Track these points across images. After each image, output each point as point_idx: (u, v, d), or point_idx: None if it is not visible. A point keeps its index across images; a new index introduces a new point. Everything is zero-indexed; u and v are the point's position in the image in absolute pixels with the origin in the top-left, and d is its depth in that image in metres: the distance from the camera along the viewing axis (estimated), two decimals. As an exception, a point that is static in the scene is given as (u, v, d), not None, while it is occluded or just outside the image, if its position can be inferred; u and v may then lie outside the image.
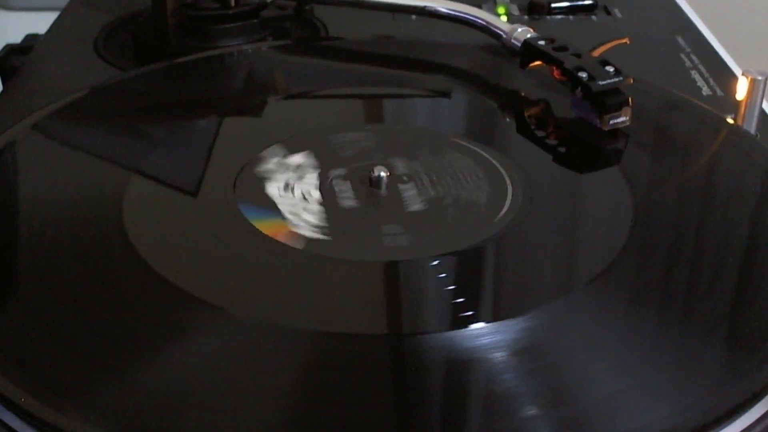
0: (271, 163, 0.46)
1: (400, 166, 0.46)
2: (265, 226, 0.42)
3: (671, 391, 0.34)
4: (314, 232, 0.41)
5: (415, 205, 0.43)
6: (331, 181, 0.45)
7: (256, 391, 0.33)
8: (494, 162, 0.46)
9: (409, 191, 0.44)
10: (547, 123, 0.52)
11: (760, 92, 0.50)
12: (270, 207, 0.43)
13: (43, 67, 0.60)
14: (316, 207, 0.43)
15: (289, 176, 0.45)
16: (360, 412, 0.33)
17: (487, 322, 0.36)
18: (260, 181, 0.45)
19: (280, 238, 0.41)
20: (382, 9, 0.62)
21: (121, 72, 0.58)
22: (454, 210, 0.43)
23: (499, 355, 0.34)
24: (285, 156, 0.46)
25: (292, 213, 0.42)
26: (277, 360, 0.35)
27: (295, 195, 0.44)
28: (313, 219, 0.42)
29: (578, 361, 0.35)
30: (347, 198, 0.44)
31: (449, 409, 0.33)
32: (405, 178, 0.45)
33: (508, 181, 0.45)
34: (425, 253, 0.40)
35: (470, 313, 0.37)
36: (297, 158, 0.46)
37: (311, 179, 0.45)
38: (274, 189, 0.44)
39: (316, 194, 0.44)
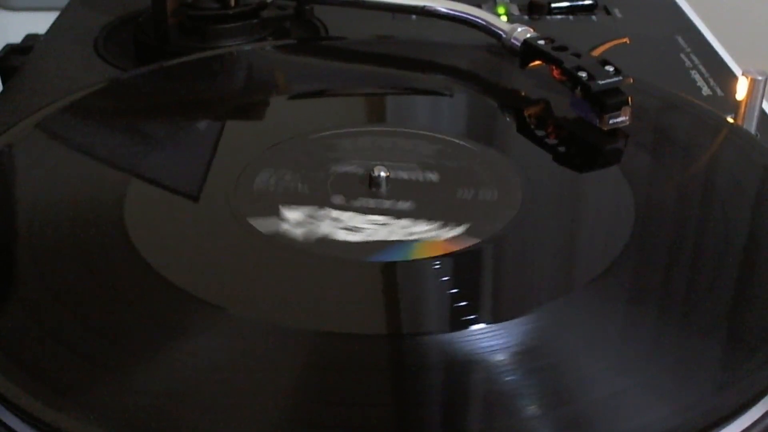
0: (277, 223, 0.42)
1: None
2: (416, 254, 0.40)
3: (671, 391, 0.34)
4: (441, 229, 0.40)
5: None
6: (352, 203, 0.43)
7: (256, 391, 0.33)
8: (494, 162, 0.46)
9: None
10: (547, 123, 0.52)
11: (760, 92, 0.50)
12: (377, 247, 0.40)
13: (43, 67, 0.60)
14: (401, 222, 0.41)
15: (322, 225, 0.41)
16: (360, 412, 0.33)
17: (487, 322, 0.36)
18: (315, 240, 0.41)
19: (441, 250, 0.39)
20: (382, 9, 0.62)
21: (121, 72, 0.58)
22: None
23: (499, 356, 0.34)
24: (280, 215, 0.42)
25: (404, 236, 0.40)
26: (277, 360, 0.35)
27: (366, 227, 0.41)
28: (421, 227, 0.41)
29: (578, 361, 0.35)
30: (390, 201, 0.43)
31: (449, 410, 0.33)
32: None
33: (509, 181, 0.45)
34: (425, 253, 0.40)
35: (470, 313, 0.37)
36: (292, 214, 0.42)
37: (345, 215, 0.42)
38: (336, 233, 0.41)
39: (377, 217, 0.42)
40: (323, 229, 0.41)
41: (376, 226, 0.41)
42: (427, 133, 0.48)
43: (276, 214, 0.42)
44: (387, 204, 0.43)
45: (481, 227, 0.41)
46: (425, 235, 0.41)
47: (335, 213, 0.42)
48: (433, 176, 0.44)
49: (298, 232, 0.41)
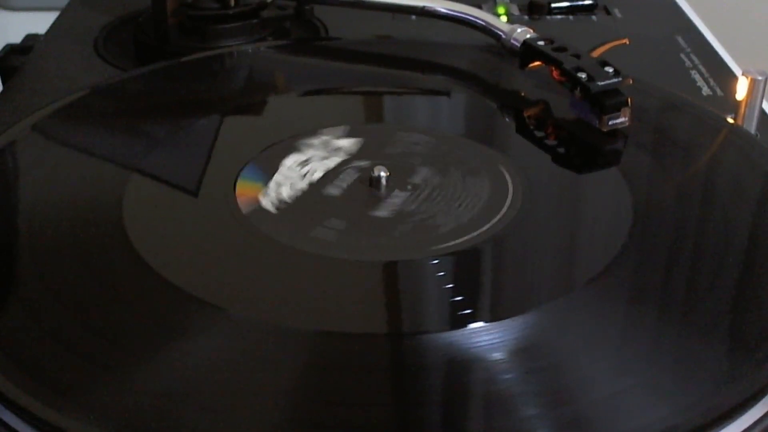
0: (318, 139, 0.47)
1: (414, 169, 0.46)
2: (243, 185, 0.44)
3: (671, 391, 0.34)
4: (271, 205, 0.42)
5: (398, 211, 0.43)
6: (346, 170, 0.45)
7: (256, 391, 0.33)
8: (494, 162, 0.46)
9: (403, 195, 0.44)
10: (546, 123, 0.52)
11: (760, 92, 0.50)
12: (268, 173, 0.45)
13: (43, 67, 0.60)
14: (302, 185, 0.44)
15: (317, 154, 0.46)
16: (360, 412, 0.33)
17: (487, 321, 0.36)
18: (289, 150, 0.46)
19: (240, 199, 0.42)
20: (382, 9, 0.62)
21: (121, 72, 0.58)
22: (433, 221, 0.42)
23: (498, 355, 0.35)
24: (337, 137, 0.47)
25: (277, 183, 0.43)
26: (277, 360, 0.35)
27: (300, 171, 0.45)
28: (285, 195, 0.43)
29: (578, 361, 0.35)
30: (338, 188, 0.44)
31: (449, 409, 0.33)
32: (409, 183, 0.45)
33: (509, 181, 0.45)
34: (425, 253, 0.40)
35: (470, 312, 0.37)
36: (344, 142, 0.47)
37: (331, 163, 0.46)
38: (291, 160, 0.45)
39: (317, 176, 0.45)
40: (310, 151, 0.45)
41: (301, 173, 0.45)
42: (498, 164, 0.47)
43: (335, 136, 0.47)
44: (341, 184, 0.44)
45: (267, 224, 0.42)
46: (269, 190, 0.43)
47: (336, 158, 0.46)
48: (390, 214, 0.43)
49: (306, 141, 0.46)
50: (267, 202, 0.42)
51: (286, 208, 0.42)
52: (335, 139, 0.47)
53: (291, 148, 0.47)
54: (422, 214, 0.43)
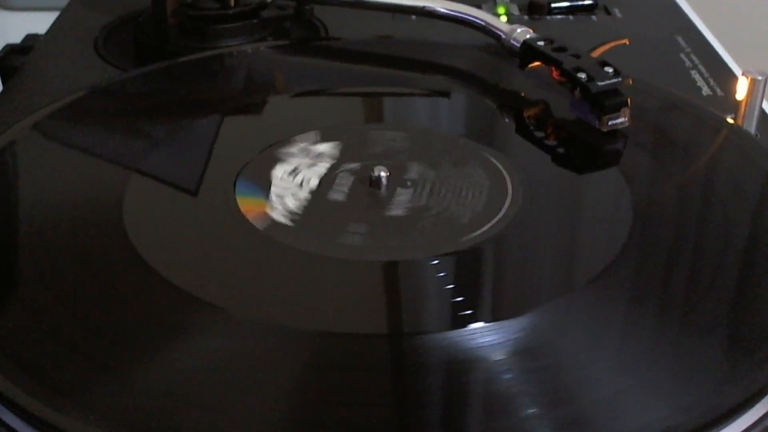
0: (296, 147, 0.46)
1: (414, 169, 0.46)
2: (246, 202, 0.43)
3: (671, 391, 0.34)
4: (284, 217, 0.42)
5: (398, 211, 0.43)
6: (338, 173, 0.45)
7: (256, 391, 0.33)
8: (494, 162, 0.46)
9: (403, 195, 0.44)
10: (546, 123, 0.52)
11: (760, 92, 0.50)
12: (264, 187, 0.44)
13: (43, 67, 0.60)
14: (304, 195, 0.43)
15: (303, 162, 0.45)
16: (360, 412, 0.33)
17: (487, 322, 0.36)
18: (274, 162, 0.46)
19: (250, 216, 0.42)
20: (382, 9, 0.62)
21: (121, 72, 0.58)
22: (433, 221, 0.42)
23: (499, 355, 0.35)
24: (314, 143, 0.47)
25: (278, 195, 0.43)
26: (277, 360, 0.35)
27: (294, 180, 0.44)
28: (292, 205, 0.42)
29: (578, 361, 0.35)
30: (339, 192, 0.44)
31: (449, 409, 0.33)
32: (409, 183, 0.45)
33: (509, 181, 0.45)
34: (425, 253, 0.40)
35: (470, 313, 0.37)
36: (323, 147, 0.46)
37: (320, 168, 0.45)
38: (280, 171, 0.45)
39: (314, 183, 0.44)
40: (294, 159, 0.44)
41: (297, 182, 0.44)
42: (498, 165, 0.47)
43: (312, 142, 0.46)
44: (341, 188, 0.44)
45: (288, 236, 0.41)
46: (274, 203, 0.43)
47: (324, 163, 0.45)
48: (404, 212, 0.43)
49: (286, 150, 0.44)
50: (279, 217, 0.42)
51: (299, 220, 0.42)
52: (312, 144, 0.47)
53: (274, 159, 0.46)
54: (422, 214, 0.43)
